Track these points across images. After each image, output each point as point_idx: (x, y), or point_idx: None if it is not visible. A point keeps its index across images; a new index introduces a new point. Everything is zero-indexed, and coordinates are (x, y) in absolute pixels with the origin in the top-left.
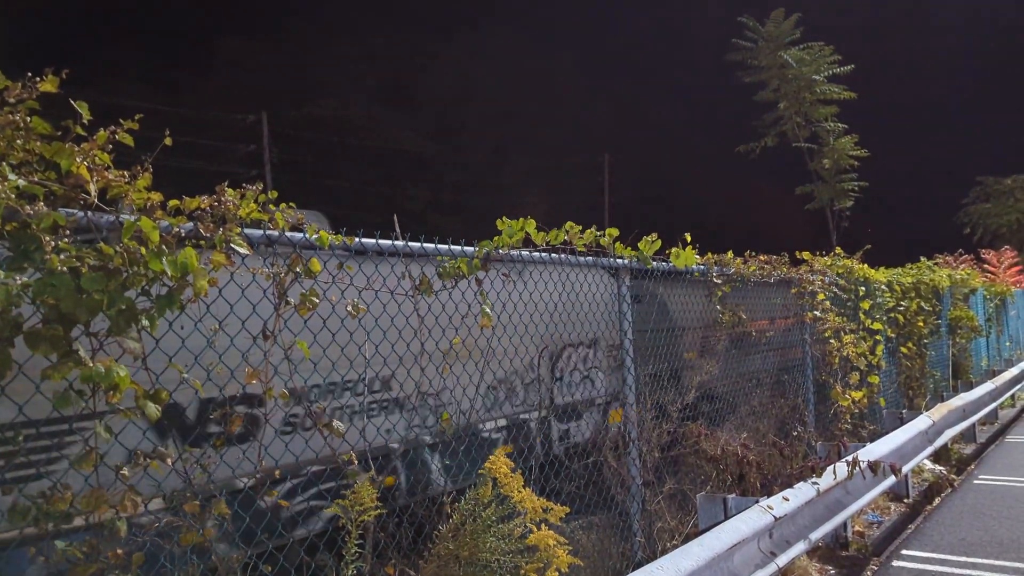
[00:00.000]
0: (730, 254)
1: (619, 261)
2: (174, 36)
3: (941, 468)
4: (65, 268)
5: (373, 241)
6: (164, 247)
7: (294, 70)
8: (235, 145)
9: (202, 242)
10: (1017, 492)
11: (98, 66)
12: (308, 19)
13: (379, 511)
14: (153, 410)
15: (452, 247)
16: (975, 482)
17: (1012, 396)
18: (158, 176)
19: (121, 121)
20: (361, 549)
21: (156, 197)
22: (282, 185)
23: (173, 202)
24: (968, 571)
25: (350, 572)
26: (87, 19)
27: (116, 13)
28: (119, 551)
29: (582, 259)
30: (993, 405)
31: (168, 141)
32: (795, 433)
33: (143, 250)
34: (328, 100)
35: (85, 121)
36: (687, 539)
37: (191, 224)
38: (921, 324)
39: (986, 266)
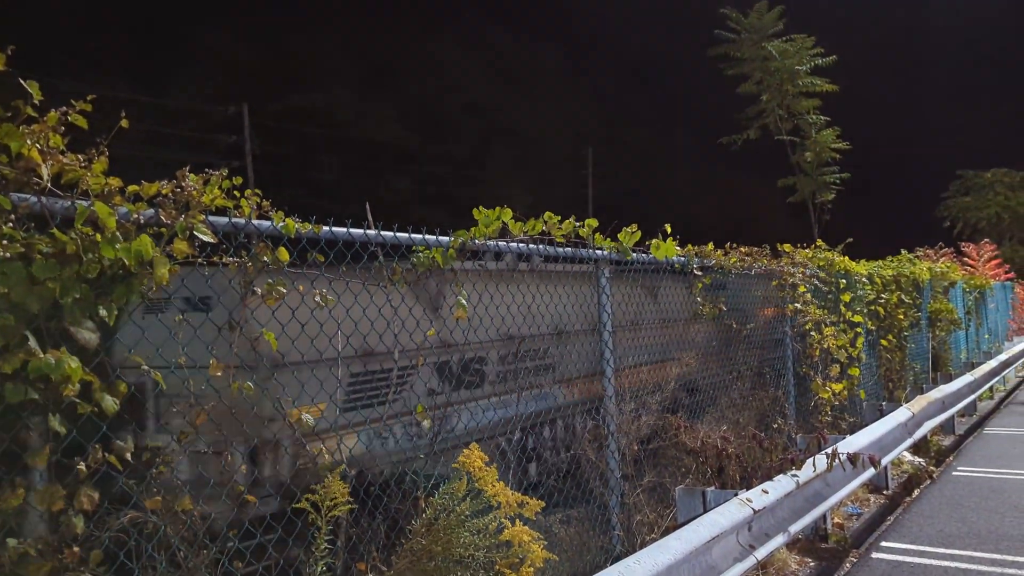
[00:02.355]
0: (711, 246)
1: (598, 252)
2: (153, 26)
3: (920, 460)
4: (10, 255)
5: (344, 230)
6: (120, 234)
7: (276, 61)
8: (216, 136)
9: (163, 229)
10: (995, 484)
11: (78, 57)
12: (290, 10)
13: (349, 506)
14: (110, 403)
15: (427, 237)
16: (954, 474)
17: (991, 388)
18: (138, 168)
19: (73, 103)
20: (332, 545)
21: (115, 182)
22: (264, 176)
23: (132, 188)
24: (947, 563)
25: (320, 568)
26: (64, 8)
27: (94, 2)
28: (75, 549)
29: (560, 250)
30: (972, 397)
31: (124, 123)
32: (775, 425)
33: (98, 237)
34: (310, 92)
35: (36, 102)
36: (666, 532)
37: (152, 211)
38: (901, 317)
39: (966, 259)
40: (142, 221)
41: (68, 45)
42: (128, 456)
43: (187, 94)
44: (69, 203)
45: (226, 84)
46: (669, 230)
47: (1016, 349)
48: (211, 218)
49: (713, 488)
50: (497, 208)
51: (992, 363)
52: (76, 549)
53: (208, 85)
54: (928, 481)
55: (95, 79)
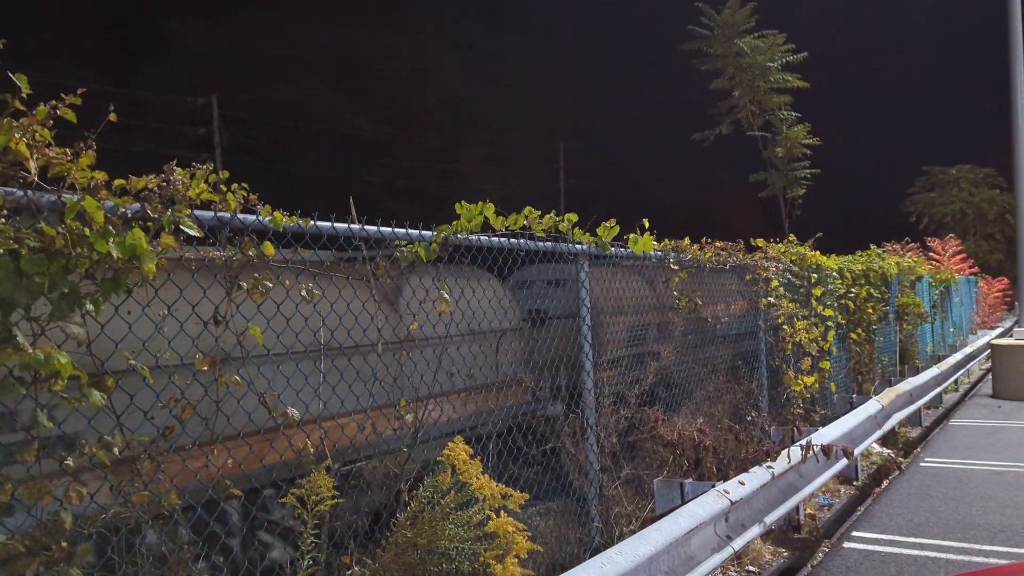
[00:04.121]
0: (687, 240)
1: (578, 247)
2: (120, 15)
3: (889, 451)
4: (2, 250)
5: (328, 225)
6: (110, 228)
7: (246, 53)
8: (185, 128)
9: (149, 223)
10: (961, 474)
11: (41, 46)
12: (261, 1)
13: (335, 500)
14: (98, 398)
15: (410, 231)
16: (921, 465)
17: (956, 381)
18: (104, 159)
19: (63, 96)
20: (317, 539)
21: (100, 176)
22: (233, 169)
23: (119, 181)
24: (915, 551)
25: (306, 563)
26: None
27: None
28: (63, 544)
29: (541, 244)
30: (938, 389)
31: (113, 117)
32: (750, 418)
33: (87, 231)
34: (281, 84)
35: (24, 95)
36: (644, 524)
37: (138, 205)
38: (870, 311)
39: (931, 254)
40: (129, 215)
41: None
42: (116, 451)
43: (155, 85)
44: (56, 197)
45: (195, 75)
46: (647, 225)
47: (980, 342)
48: (197, 212)
49: (691, 480)
50: (480, 203)
51: (957, 356)
52: (64, 544)
53: (176, 76)
54: (897, 472)
55: (60, 68)
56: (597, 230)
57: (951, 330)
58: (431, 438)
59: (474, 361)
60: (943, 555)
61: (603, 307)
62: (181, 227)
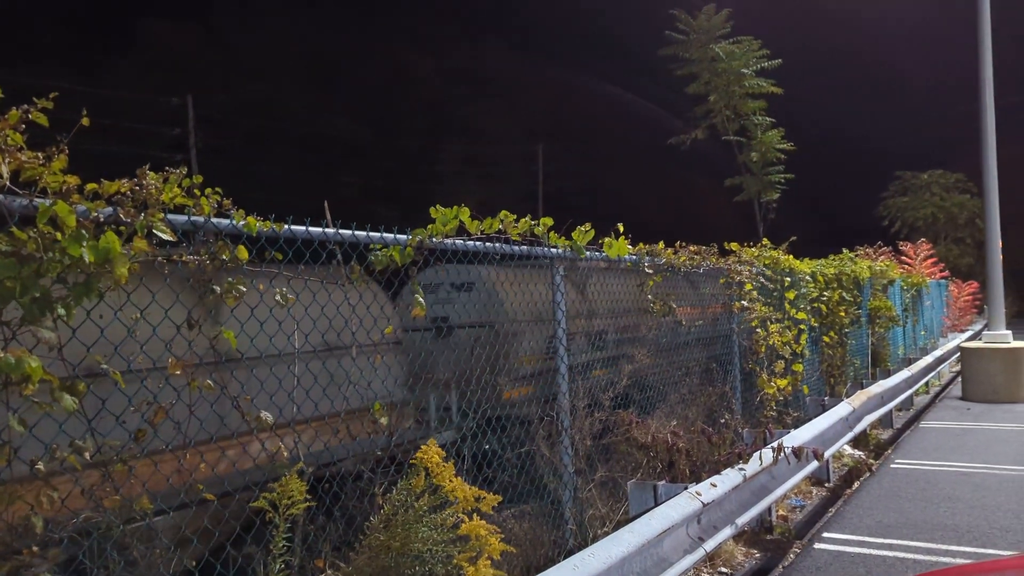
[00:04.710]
0: (661, 244)
1: (553, 251)
2: (92, 14)
3: (860, 453)
4: None
5: (303, 228)
6: (83, 232)
7: (222, 53)
8: (159, 129)
9: (122, 227)
10: (931, 475)
11: (11, 45)
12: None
13: (308, 503)
14: (70, 402)
15: (384, 235)
16: (892, 466)
17: (927, 383)
18: (77, 160)
19: (35, 100)
20: (290, 542)
21: (73, 180)
22: (209, 170)
23: (91, 186)
24: (885, 552)
25: (278, 566)
26: None
27: None
28: (34, 548)
29: (516, 248)
30: (909, 392)
31: (86, 121)
32: (723, 420)
33: (59, 235)
34: (258, 84)
35: None
36: (618, 526)
37: (111, 209)
38: (843, 314)
39: (903, 258)
40: (101, 219)
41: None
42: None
43: (129, 85)
44: (28, 201)
45: (169, 76)
46: (622, 229)
47: (950, 345)
48: (170, 216)
49: (664, 482)
50: (455, 207)
51: (928, 359)
52: (35, 549)
53: (150, 76)
54: (867, 474)
55: (30, 68)
56: (573, 234)
57: (922, 333)
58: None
59: (330, 382)
60: (911, 555)
61: (516, 313)
62: (154, 231)
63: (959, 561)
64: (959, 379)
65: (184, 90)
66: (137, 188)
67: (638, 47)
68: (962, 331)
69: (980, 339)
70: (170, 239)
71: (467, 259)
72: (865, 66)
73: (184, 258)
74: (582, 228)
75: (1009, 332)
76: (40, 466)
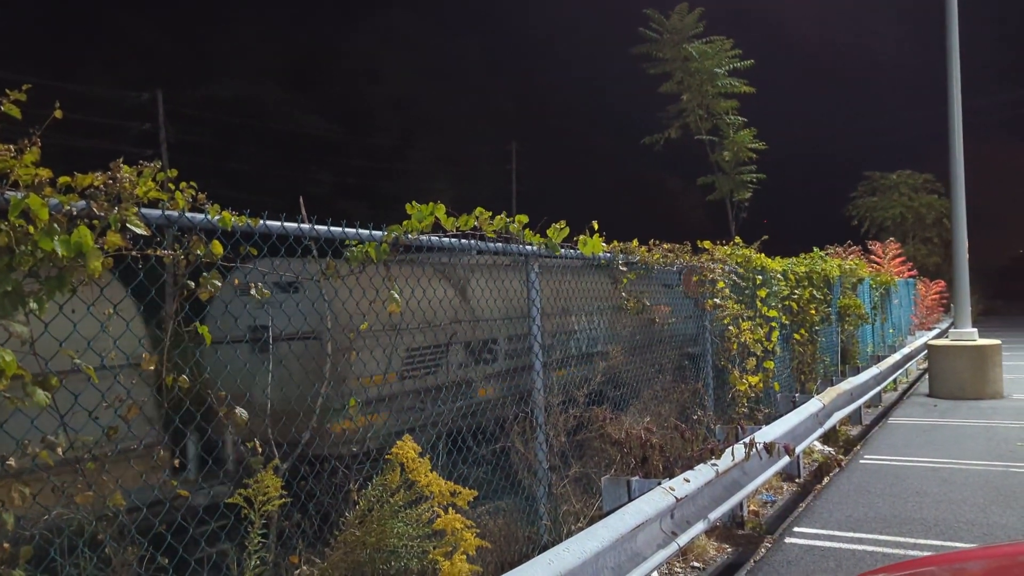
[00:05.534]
0: (635, 242)
1: (528, 248)
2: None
3: (830, 449)
4: None
5: (278, 224)
6: (55, 226)
7: (192, 48)
8: (128, 124)
9: (95, 221)
10: (899, 471)
11: None
12: None
13: (283, 500)
14: (42, 396)
15: (360, 231)
16: (861, 462)
17: (895, 380)
18: (46, 155)
19: (7, 92)
20: (265, 539)
21: (45, 173)
22: (180, 166)
23: (64, 179)
24: (855, 546)
25: (253, 563)
26: None
27: None
28: (5, 545)
29: (491, 245)
30: (878, 389)
31: (59, 114)
32: (695, 417)
33: (31, 229)
34: (229, 80)
35: None
36: (592, 522)
37: (84, 203)
38: (813, 312)
39: (873, 257)
40: (74, 213)
41: None
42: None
43: (97, 79)
44: (0, 195)
45: (138, 70)
46: (596, 227)
47: (918, 343)
48: (144, 210)
49: (638, 478)
50: (430, 203)
51: (896, 356)
52: (6, 545)
53: (118, 70)
54: (837, 469)
55: None
56: (547, 231)
57: (890, 331)
58: None
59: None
60: (880, 549)
61: (347, 322)
62: (128, 225)
63: (927, 554)
64: (927, 376)
65: (154, 85)
66: (111, 182)
67: (612, 46)
68: (929, 329)
69: (947, 337)
70: (144, 233)
71: (296, 251)
72: (837, 67)
73: (159, 252)
74: (557, 226)
75: (975, 330)
76: (11, 462)
